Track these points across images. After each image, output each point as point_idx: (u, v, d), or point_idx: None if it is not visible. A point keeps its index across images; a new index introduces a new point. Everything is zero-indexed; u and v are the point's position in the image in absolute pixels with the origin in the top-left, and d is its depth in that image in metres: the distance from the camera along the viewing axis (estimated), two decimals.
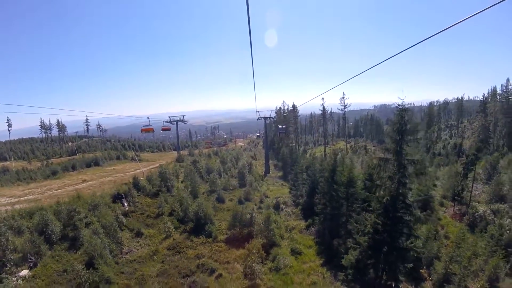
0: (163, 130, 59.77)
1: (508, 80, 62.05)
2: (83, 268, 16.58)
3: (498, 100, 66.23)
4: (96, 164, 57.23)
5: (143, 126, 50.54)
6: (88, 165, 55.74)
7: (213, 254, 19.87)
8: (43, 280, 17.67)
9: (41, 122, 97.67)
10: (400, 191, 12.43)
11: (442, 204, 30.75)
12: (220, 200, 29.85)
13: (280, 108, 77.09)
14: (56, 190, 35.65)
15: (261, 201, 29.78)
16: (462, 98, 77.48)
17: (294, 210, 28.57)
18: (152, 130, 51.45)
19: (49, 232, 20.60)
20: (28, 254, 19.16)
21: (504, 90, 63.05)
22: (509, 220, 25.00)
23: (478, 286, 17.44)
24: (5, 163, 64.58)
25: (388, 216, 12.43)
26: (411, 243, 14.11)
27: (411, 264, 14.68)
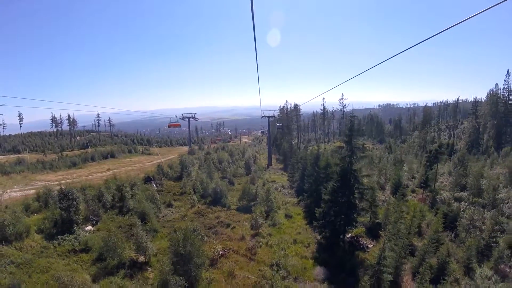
0: (169, 126, 68.45)
1: (496, 84, 69.66)
2: (139, 220, 24.99)
3: (487, 102, 73.75)
4: (112, 156, 65.68)
5: (170, 122, 59.35)
6: (105, 157, 64.15)
7: (228, 217, 28.19)
8: (105, 231, 25.98)
9: (52, 116, 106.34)
10: (352, 167, 20.66)
11: (413, 191, 38.98)
12: (231, 183, 38.33)
13: (283, 107, 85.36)
14: (87, 176, 43.82)
15: (264, 184, 38.15)
16: (457, 100, 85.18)
17: (289, 192, 37.47)
18: (179, 125, 59.99)
19: (104, 201, 29.05)
20: (90, 216, 27.53)
21: (493, 94, 70.54)
22: (466, 203, 33.38)
23: (421, 244, 25.62)
24: (20, 155, 72.90)
25: (343, 182, 20.60)
26: (368, 203, 22.44)
27: (365, 219, 22.96)
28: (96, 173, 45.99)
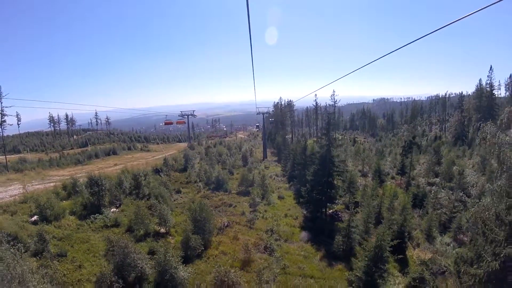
0: (166, 124, 74.73)
1: (480, 79, 76.57)
2: (157, 202, 31.35)
3: (473, 97, 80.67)
4: (114, 153, 71.35)
5: (166, 119, 65.47)
6: (107, 154, 69.81)
7: (230, 199, 34.80)
8: (128, 212, 32.17)
9: (49, 116, 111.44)
10: (331, 154, 27.38)
11: (393, 177, 45.89)
12: (230, 173, 44.91)
13: (277, 103, 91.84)
14: (96, 171, 49.53)
15: (259, 173, 44.80)
16: (446, 94, 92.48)
17: (282, 179, 44.51)
18: (184, 122, 66.25)
19: (124, 188, 35.41)
20: (113, 200, 33.80)
21: (478, 88, 77.45)
22: (437, 187, 40.16)
23: (393, 216, 32.32)
24: (21, 155, 78.07)
25: (322, 166, 27.27)
26: (346, 184, 29.20)
27: (345, 198, 29.72)
28: (104, 168, 51.58)
